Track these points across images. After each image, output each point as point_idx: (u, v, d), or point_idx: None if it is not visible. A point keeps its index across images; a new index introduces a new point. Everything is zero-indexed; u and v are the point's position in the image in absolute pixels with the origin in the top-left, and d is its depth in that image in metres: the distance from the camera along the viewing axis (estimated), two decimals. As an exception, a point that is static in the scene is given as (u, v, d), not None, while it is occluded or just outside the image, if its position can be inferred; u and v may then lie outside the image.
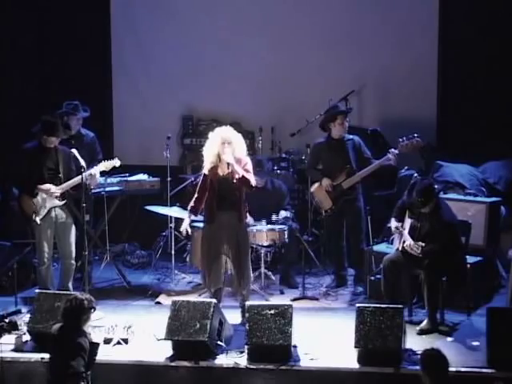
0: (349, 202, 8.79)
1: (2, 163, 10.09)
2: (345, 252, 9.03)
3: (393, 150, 8.61)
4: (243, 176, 7.63)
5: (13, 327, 7.57)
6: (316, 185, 8.94)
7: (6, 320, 7.62)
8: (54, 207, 8.10)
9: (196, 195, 7.85)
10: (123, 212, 9.82)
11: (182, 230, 7.91)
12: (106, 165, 8.24)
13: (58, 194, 8.07)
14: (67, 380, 6.13)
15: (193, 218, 7.95)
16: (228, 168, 7.63)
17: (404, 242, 7.73)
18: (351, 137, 8.88)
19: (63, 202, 8.12)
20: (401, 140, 8.57)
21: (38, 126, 8.10)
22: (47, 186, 8.06)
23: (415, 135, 8.53)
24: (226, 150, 7.62)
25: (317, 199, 8.96)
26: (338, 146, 8.82)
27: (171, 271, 9.26)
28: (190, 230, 7.95)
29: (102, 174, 8.41)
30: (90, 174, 8.05)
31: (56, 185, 8.09)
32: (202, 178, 7.84)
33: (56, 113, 8.78)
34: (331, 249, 9.30)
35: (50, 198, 8.07)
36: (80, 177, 7.95)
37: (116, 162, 8.29)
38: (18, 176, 8.24)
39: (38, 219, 8.04)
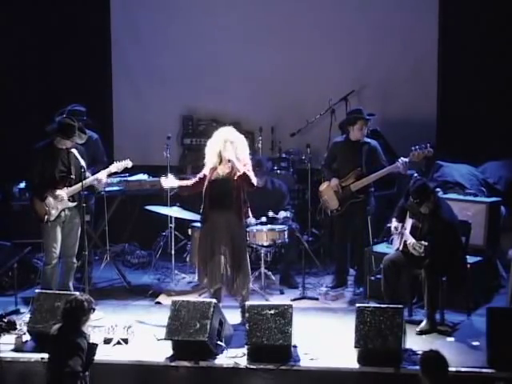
0: (358, 205, 8.76)
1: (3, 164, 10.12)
2: (348, 253, 9.03)
3: (402, 158, 8.57)
4: (244, 173, 7.64)
5: (11, 327, 7.58)
6: (325, 184, 8.97)
7: (5, 320, 7.63)
8: (66, 208, 8.11)
9: (191, 182, 7.91)
10: (123, 212, 9.82)
11: (165, 184, 7.97)
12: (117, 166, 8.23)
13: (66, 198, 8.06)
14: (64, 379, 6.14)
15: (179, 183, 7.97)
16: (229, 163, 7.63)
17: (406, 241, 7.74)
18: (368, 140, 8.86)
19: (74, 203, 8.12)
20: (413, 149, 8.49)
21: (54, 126, 8.07)
22: (57, 192, 8.05)
23: (428, 145, 8.49)
24: (227, 147, 7.64)
25: (324, 198, 8.97)
26: (354, 148, 8.79)
27: (171, 271, 9.25)
28: (174, 185, 7.99)
29: (93, 162, 8.46)
30: (97, 179, 8.06)
31: (68, 186, 8.09)
32: (201, 175, 7.84)
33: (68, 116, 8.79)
34: (334, 248, 9.31)
35: (61, 200, 8.08)
36: (86, 180, 7.98)
37: (128, 163, 8.28)
38: (31, 176, 8.21)
39: (50, 220, 8.05)
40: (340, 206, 8.84)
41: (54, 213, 8.05)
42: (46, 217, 8.03)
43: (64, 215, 8.12)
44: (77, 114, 8.90)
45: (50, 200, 8.04)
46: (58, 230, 8.12)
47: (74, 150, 8.02)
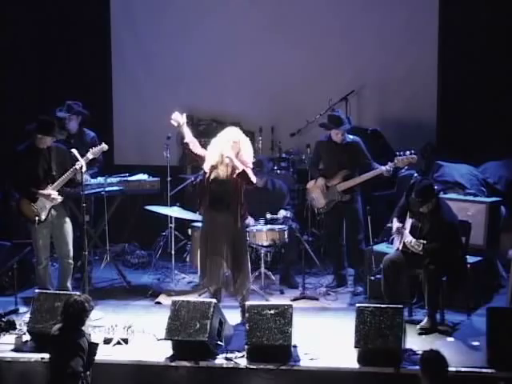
0: (346, 204, 8.79)
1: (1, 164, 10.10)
2: (344, 252, 9.03)
3: (389, 163, 8.59)
4: (243, 170, 7.64)
5: (10, 326, 7.58)
6: (312, 182, 8.98)
7: (4, 319, 7.63)
8: (54, 206, 8.09)
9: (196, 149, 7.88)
10: (123, 212, 9.81)
11: (174, 117, 7.85)
12: (93, 152, 8.11)
13: (59, 199, 8.05)
14: (66, 380, 6.15)
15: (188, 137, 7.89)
16: (227, 160, 7.61)
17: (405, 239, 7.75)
18: (351, 138, 8.85)
19: (61, 198, 8.10)
20: (397, 154, 8.58)
21: (34, 125, 8.06)
22: (48, 191, 8.04)
23: (412, 151, 8.54)
24: (229, 147, 7.63)
25: (311, 196, 9.00)
26: (338, 148, 8.80)
27: (171, 271, 9.25)
28: (181, 117, 7.86)
29: (92, 162, 8.36)
30: (76, 169, 7.94)
31: (51, 183, 8.07)
32: (203, 175, 7.86)
33: (54, 113, 8.78)
34: (331, 249, 9.31)
35: (52, 199, 8.06)
36: (70, 171, 7.93)
37: (104, 147, 8.19)
38: (16, 179, 8.20)
39: (41, 221, 8.03)
40: (326, 204, 8.86)
41: (44, 213, 8.05)
42: (37, 218, 8.01)
43: (51, 215, 8.11)
44: (76, 110, 8.95)
45: (40, 200, 8.04)
46: (46, 230, 8.12)
47: (73, 150, 8.00)
